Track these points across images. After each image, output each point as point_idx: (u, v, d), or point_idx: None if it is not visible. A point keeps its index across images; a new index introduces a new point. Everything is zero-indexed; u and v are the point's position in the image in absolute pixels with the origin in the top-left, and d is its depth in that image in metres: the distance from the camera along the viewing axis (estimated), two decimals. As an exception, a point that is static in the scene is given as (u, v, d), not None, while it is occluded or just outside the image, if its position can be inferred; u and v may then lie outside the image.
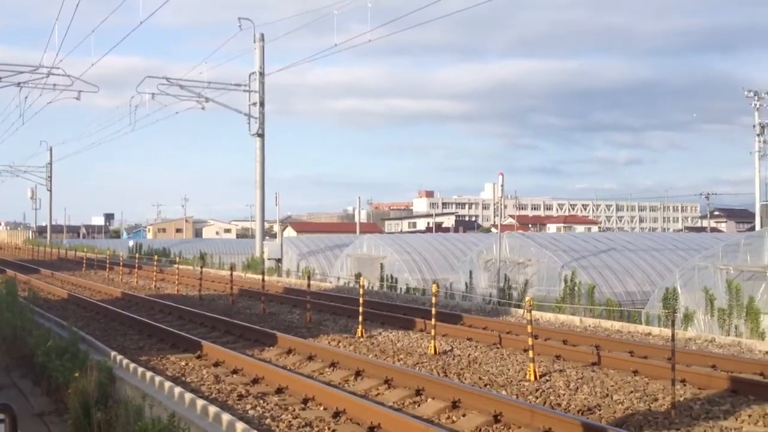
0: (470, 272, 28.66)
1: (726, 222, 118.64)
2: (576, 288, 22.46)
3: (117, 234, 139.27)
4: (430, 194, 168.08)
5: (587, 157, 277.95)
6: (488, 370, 11.97)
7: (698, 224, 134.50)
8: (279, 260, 38.59)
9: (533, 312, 13.43)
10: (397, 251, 34.77)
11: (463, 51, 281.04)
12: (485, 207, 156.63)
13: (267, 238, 42.49)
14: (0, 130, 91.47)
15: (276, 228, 46.36)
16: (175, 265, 30.35)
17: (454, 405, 9.50)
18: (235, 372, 11.80)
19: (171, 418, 7.86)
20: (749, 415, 9.23)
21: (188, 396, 9.14)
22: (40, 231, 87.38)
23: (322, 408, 9.50)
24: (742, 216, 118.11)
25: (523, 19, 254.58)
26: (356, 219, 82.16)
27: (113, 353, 12.34)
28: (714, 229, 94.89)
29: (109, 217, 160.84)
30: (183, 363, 12.68)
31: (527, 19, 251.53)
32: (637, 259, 27.84)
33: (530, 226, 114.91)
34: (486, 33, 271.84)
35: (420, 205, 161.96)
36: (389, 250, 35.12)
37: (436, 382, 10.51)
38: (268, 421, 8.93)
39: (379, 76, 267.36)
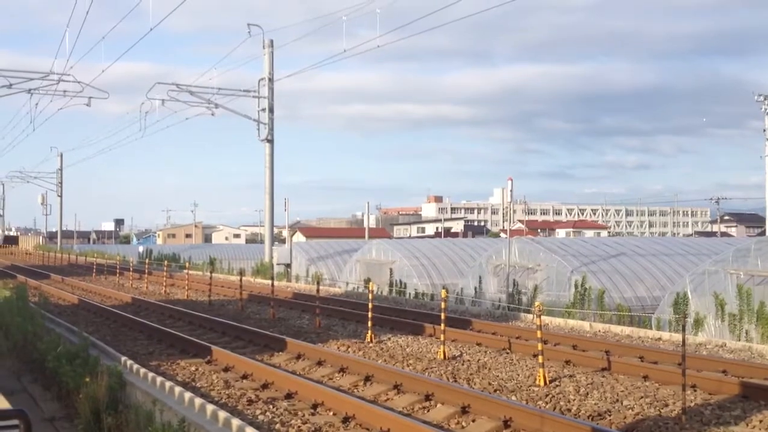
0: (479, 277, 28.63)
1: (736, 227, 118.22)
2: (586, 293, 22.40)
3: (127, 239, 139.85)
4: (438, 199, 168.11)
5: (596, 161, 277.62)
6: (498, 376, 11.95)
7: (708, 229, 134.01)
8: (288, 265, 38.63)
9: (543, 317, 13.42)
10: (406, 256, 34.77)
11: (470, 56, 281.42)
12: (494, 212, 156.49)
13: (276, 243, 42.57)
14: (11, 136, 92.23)
15: (285, 233, 46.43)
16: (185, 271, 30.43)
17: (464, 410, 9.49)
18: (244, 377, 11.82)
19: (181, 423, 7.88)
20: (760, 421, 9.18)
21: (198, 401, 9.16)
22: (51, 236, 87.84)
23: (331, 413, 9.51)
24: (752, 221, 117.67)
25: (530, 24, 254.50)
26: (365, 224, 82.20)
27: (123, 358, 12.38)
28: (724, 234, 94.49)
29: (119, 222, 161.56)
30: (193, 368, 12.71)
31: (534, 24, 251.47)
32: (647, 264, 27.76)
33: (539, 231, 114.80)
34: (493, 38, 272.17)
35: (429, 210, 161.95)
36: (398, 255, 35.12)
37: (445, 387, 10.50)
38: (277, 426, 8.94)
39: (387, 82, 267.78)
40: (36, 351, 12.94)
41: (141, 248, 65.99)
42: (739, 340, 16.61)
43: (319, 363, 12.95)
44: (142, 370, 11.25)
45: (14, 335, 14.30)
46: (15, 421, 3.19)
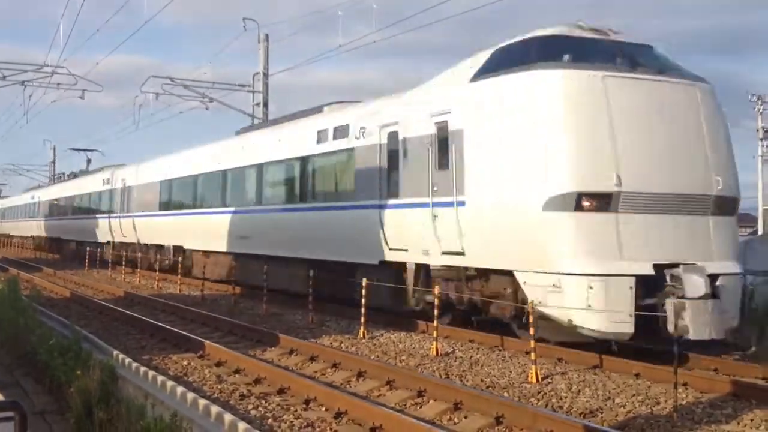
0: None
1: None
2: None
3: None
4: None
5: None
6: (490, 372, 11.97)
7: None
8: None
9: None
10: (399, 253, 34.68)
11: (467, 52, 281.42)
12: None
13: (269, 238, 42.40)
14: (4, 128, 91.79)
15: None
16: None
17: (456, 407, 9.50)
18: (237, 372, 11.81)
19: (173, 418, 7.87)
20: (751, 419, 9.23)
21: (190, 396, 9.14)
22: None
23: (323, 409, 9.51)
24: (744, 220, 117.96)
25: (526, 21, 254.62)
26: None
27: (115, 352, 12.34)
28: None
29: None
30: (185, 362, 12.69)
31: (531, 22, 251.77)
32: (639, 263, 27.76)
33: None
34: (490, 35, 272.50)
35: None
36: (391, 251, 35.03)
37: (437, 383, 10.52)
38: (270, 421, 8.95)
39: (383, 77, 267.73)
40: (28, 344, 12.90)
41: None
42: (731, 339, 16.64)
43: (312, 358, 12.95)
44: (134, 365, 11.22)
45: (6, 328, 14.26)
46: (10, 413, 3.18)
